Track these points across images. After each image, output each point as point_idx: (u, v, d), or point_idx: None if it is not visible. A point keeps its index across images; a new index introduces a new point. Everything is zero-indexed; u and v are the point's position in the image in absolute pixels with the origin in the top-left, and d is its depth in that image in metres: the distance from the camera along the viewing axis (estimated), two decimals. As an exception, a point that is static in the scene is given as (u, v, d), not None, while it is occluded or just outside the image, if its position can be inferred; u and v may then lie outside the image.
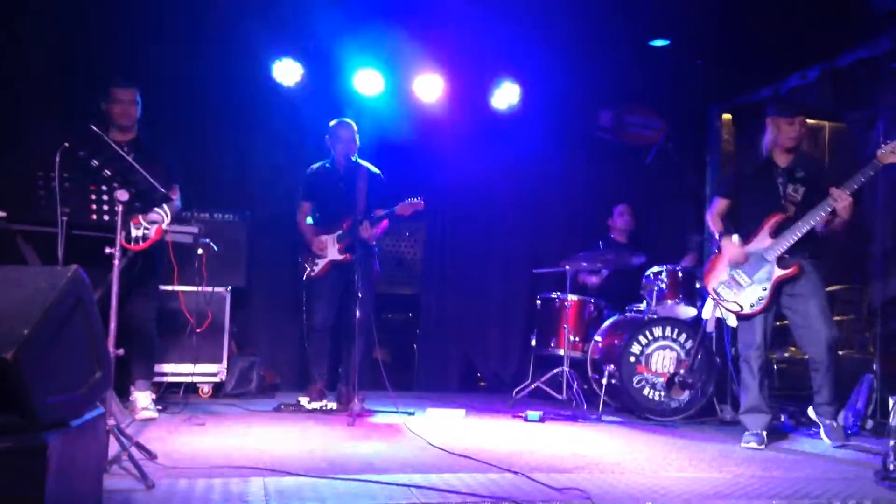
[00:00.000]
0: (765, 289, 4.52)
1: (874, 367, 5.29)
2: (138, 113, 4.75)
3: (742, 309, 4.58)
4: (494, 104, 6.84)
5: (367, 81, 6.40)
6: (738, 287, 4.60)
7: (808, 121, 6.12)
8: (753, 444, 4.45)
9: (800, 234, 4.42)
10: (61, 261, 3.50)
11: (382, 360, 5.23)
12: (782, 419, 5.36)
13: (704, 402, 5.50)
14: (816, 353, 4.50)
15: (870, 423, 5.03)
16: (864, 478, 3.66)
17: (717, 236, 4.79)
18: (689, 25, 5.97)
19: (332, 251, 5.41)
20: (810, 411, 4.77)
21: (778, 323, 4.86)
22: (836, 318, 5.77)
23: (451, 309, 6.94)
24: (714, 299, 4.73)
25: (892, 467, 3.61)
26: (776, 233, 4.52)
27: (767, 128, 4.64)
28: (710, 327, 5.10)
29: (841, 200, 4.28)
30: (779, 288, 4.54)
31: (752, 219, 4.65)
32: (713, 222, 4.84)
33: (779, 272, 4.49)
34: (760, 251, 4.54)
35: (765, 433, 4.53)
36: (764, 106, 6.81)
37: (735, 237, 4.64)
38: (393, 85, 6.54)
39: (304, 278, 5.47)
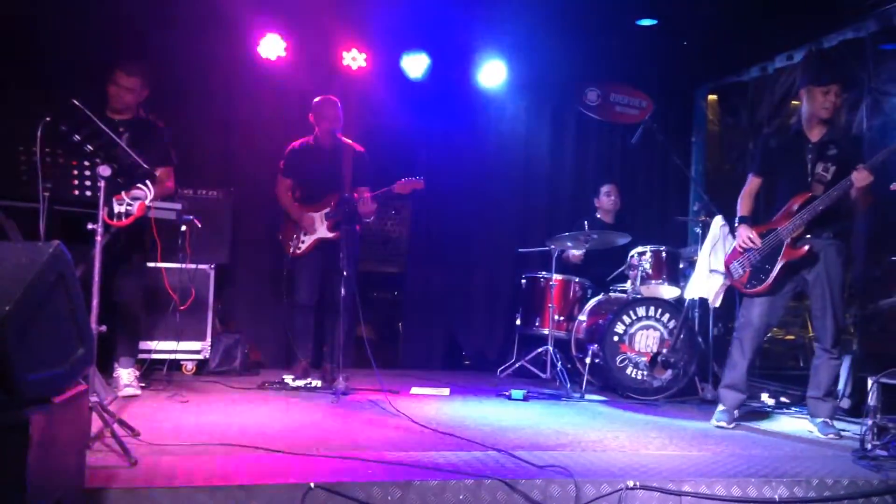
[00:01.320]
0: (769, 267, 4.40)
1: (853, 347, 5.35)
2: (135, 100, 4.72)
3: (746, 286, 4.51)
4: (481, 82, 6.82)
5: (351, 57, 6.35)
6: (749, 265, 4.49)
7: (793, 102, 6.16)
8: (723, 424, 4.46)
9: (814, 214, 4.26)
10: (43, 236, 3.47)
11: (367, 338, 5.23)
12: (764, 398, 5.42)
13: (686, 381, 5.54)
14: (824, 343, 4.39)
15: (847, 403, 5.06)
16: (842, 457, 3.71)
17: (738, 218, 4.62)
18: (677, 5, 5.96)
19: (320, 229, 5.38)
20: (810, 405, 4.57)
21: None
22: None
23: (437, 287, 6.94)
24: (725, 275, 4.68)
25: (869, 447, 3.67)
26: (798, 212, 4.35)
27: (802, 99, 4.43)
28: (717, 302, 5.10)
29: (863, 179, 4.11)
30: (796, 270, 4.41)
31: (781, 197, 4.48)
32: (742, 202, 4.64)
33: (789, 251, 4.35)
34: (778, 230, 4.40)
35: (736, 412, 4.54)
36: (749, 86, 6.86)
37: (747, 223, 4.55)
38: (378, 61, 6.49)
39: (290, 255, 5.43)
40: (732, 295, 5.28)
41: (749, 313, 4.54)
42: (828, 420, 4.36)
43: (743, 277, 4.54)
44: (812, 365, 4.49)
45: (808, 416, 4.51)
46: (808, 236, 4.35)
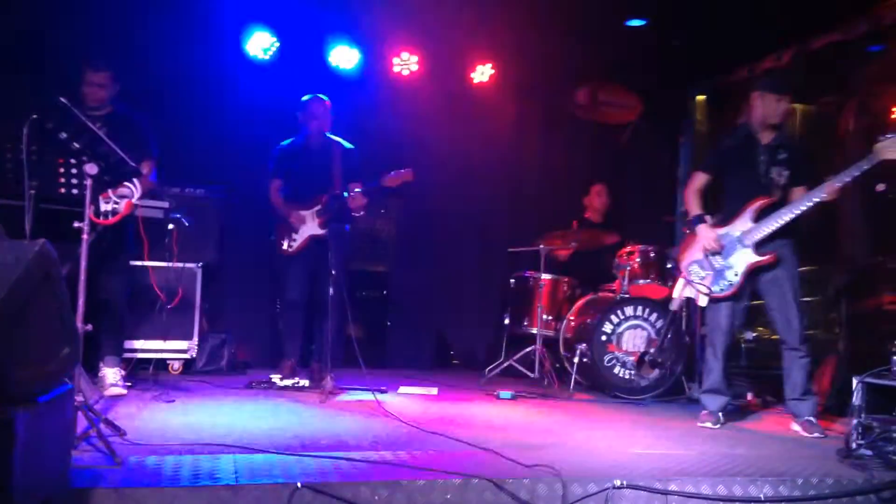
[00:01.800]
0: (736, 274, 4.44)
1: (839, 347, 5.37)
2: (109, 95, 4.68)
3: (711, 291, 4.54)
4: (471, 81, 6.82)
5: (342, 56, 6.34)
6: (711, 268, 4.52)
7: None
8: (708, 425, 4.48)
9: (781, 223, 4.32)
10: (29, 235, 3.44)
11: (355, 337, 5.22)
12: (749, 398, 5.44)
13: (673, 380, 5.56)
14: (791, 342, 4.42)
15: (833, 403, 5.08)
16: (827, 456, 3.73)
17: (690, 216, 4.66)
18: (666, 6, 5.98)
19: (311, 226, 5.36)
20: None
21: (758, 302, 4.80)
22: (803, 299, 5.82)
23: (425, 287, 6.95)
24: (685, 278, 4.70)
25: (854, 446, 3.68)
26: (758, 218, 4.40)
27: (754, 103, 4.50)
28: (675, 306, 5.10)
29: (833, 194, 4.19)
30: (754, 272, 4.46)
31: (735, 199, 4.53)
32: (689, 199, 4.68)
33: (754, 259, 4.40)
34: (739, 234, 4.44)
35: (721, 414, 4.55)
36: (738, 88, 6.88)
37: (706, 223, 4.56)
38: (369, 60, 6.48)
39: (281, 253, 5.41)
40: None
41: (717, 316, 4.57)
42: (811, 419, 4.37)
43: (705, 280, 4.56)
44: (783, 368, 4.49)
45: (793, 417, 4.51)
46: (766, 243, 4.40)
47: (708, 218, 4.60)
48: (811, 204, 4.26)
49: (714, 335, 4.58)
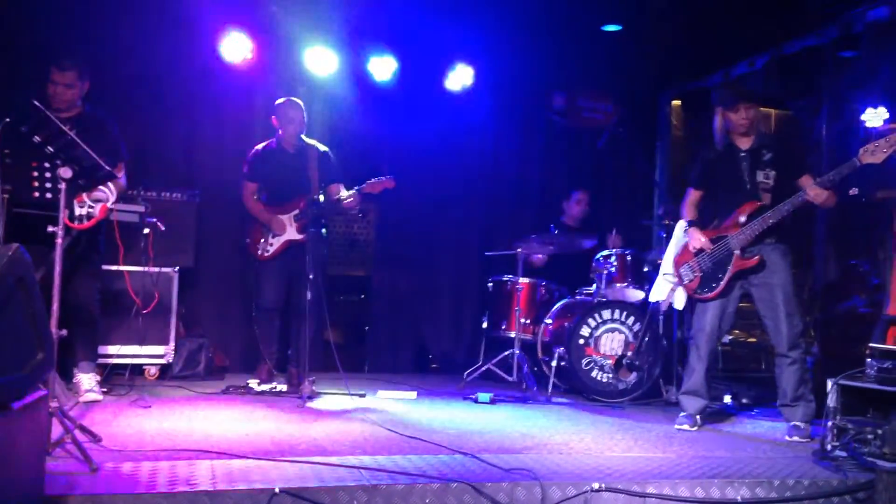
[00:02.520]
0: (721, 276, 4.46)
1: (814, 350, 5.43)
2: (77, 95, 4.57)
3: (696, 292, 4.57)
4: (448, 85, 6.83)
5: (318, 60, 6.32)
6: (699, 271, 4.55)
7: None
8: (686, 427, 4.50)
9: (765, 226, 4.33)
10: (1, 239, 3.41)
11: (334, 341, 5.20)
12: (726, 400, 5.48)
13: (651, 383, 5.59)
14: (780, 348, 4.42)
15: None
16: (803, 458, 3.77)
17: (687, 222, 4.69)
18: (641, 11, 6.02)
19: (290, 231, 5.33)
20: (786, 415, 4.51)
21: (742, 304, 4.82)
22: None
23: (403, 291, 6.94)
24: (675, 280, 4.70)
25: (829, 447, 3.73)
26: (747, 222, 4.40)
27: (716, 120, 4.55)
28: (664, 307, 5.11)
29: (819, 197, 4.17)
30: (743, 275, 4.47)
31: (724, 209, 4.54)
32: (685, 211, 4.73)
33: (739, 261, 4.41)
34: (727, 238, 4.45)
35: (699, 417, 4.57)
36: (712, 92, 6.94)
37: (696, 227, 4.61)
38: (345, 64, 6.47)
39: (257, 258, 5.37)
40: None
41: (703, 318, 4.59)
42: (799, 423, 4.34)
43: (693, 282, 4.59)
44: (775, 372, 4.51)
45: (785, 430, 4.43)
46: (752, 245, 4.41)
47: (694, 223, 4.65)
48: (792, 207, 4.27)
49: (698, 337, 4.60)
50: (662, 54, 6.70)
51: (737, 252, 4.42)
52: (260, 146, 5.48)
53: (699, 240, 4.55)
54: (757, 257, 4.40)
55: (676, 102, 7.68)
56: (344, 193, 5.15)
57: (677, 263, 4.70)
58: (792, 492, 3.23)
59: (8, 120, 3.37)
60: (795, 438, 4.28)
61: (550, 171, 7.35)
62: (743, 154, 4.51)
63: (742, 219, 4.42)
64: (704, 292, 4.54)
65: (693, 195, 4.74)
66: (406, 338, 6.98)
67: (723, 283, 4.46)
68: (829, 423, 3.80)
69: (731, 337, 6.35)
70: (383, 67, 6.52)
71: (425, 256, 7.00)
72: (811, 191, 4.19)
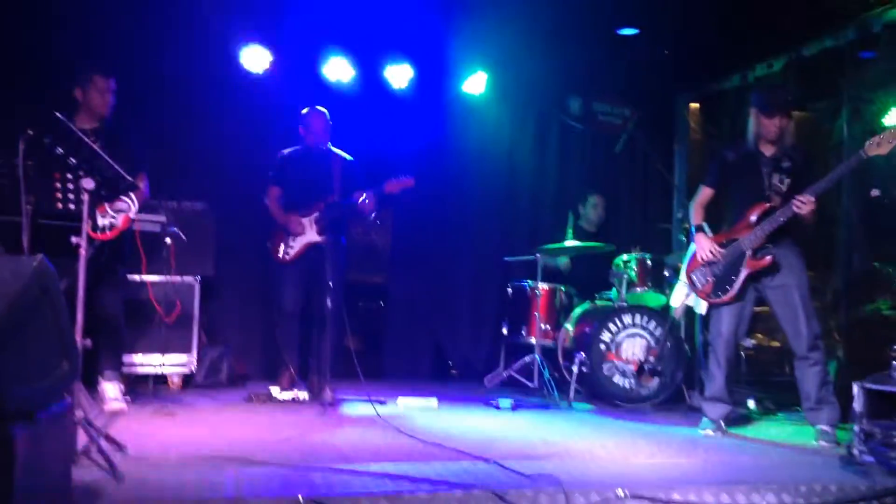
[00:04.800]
0: (734, 277, 4.44)
1: (839, 353, 5.37)
2: (113, 101, 4.69)
3: (710, 297, 4.55)
4: (464, 92, 6.84)
5: (336, 68, 6.36)
6: (713, 276, 4.53)
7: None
8: (709, 432, 4.47)
9: (775, 226, 4.32)
10: (26, 250, 3.44)
11: (354, 349, 5.21)
12: (750, 405, 5.43)
13: (673, 388, 5.55)
14: (799, 351, 4.38)
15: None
16: (829, 463, 3.73)
17: (693, 227, 4.69)
18: (657, 14, 6.00)
19: (310, 232, 5.36)
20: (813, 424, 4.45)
21: (757, 309, 4.79)
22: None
23: (422, 297, 6.94)
24: (688, 286, 4.68)
25: (856, 452, 3.68)
26: (758, 223, 4.40)
27: (750, 118, 4.52)
28: (678, 314, 5.09)
29: (805, 208, 4.19)
30: (757, 278, 4.45)
31: (737, 208, 4.55)
32: (694, 212, 4.71)
33: (751, 261, 4.40)
34: (739, 241, 4.45)
35: (722, 422, 4.54)
36: (731, 94, 6.91)
37: (705, 231, 4.60)
38: (362, 72, 6.50)
39: (278, 261, 5.40)
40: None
41: (718, 324, 4.57)
42: (826, 428, 4.30)
43: (706, 287, 4.56)
44: (796, 378, 4.47)
45: (815, 435, 4.38)
46: (770, 246, 4.39)
47: (706, 227, 4.62)
48: (790, 214, 4.26)
49: (716, 342, 4.57)
50: (679, 57, 6.67)
51: (748, 252, 4.40)
52: (286, 151, 5.53)
53: (705, 248, 4.54)
54: (769, 257, 4.37)
55: (694, 105, 7.64)
56: (362, 197, 5.17)
57: (689, 270, 4.68)
58: (819, 498, 3.19)
59: (31, 132, 3.41)
60: (823, 443, 4.24)
61: (568, 176, 7.34)
62: (765, 159, 4.49)
63: (753, 219, 4.41)
64: (718, 296, 4.51)
65: (704, 194, 4.72)
66: (425, 344, 6.98)
67: (736, 286, 4.43)
68: (856, 428, 3.75)
69: (753, 342, 6.30)
70: (400, 75, 6.55)
71: (443, 263, 7.00)
72: (801, 204, 4.19)
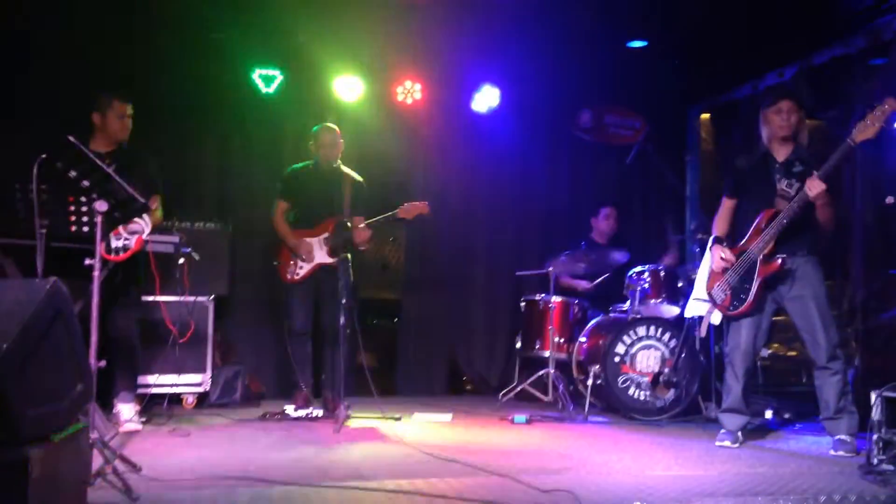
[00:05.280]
0: (748, 286, 4.40)
1: (856, 362, 5.33)
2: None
3: (728, 309, 4.51)
4: (475, 107, 6.85)
5: (346, 87, 6.39)
6: (729, 289, 4.50)
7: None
8: (727, 443, 4.43)
9: (779, 229, 4.29)
10: (40, 273, 3.46)
11: (367, 365, 5.20)
12: (768, 416, 5.38)
13: (689, 400, 5.51)
14: (819, 360, 4.34)
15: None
16: (848, 473, 3.69)
17: (712, 239, 4.66)
18: (667, 26, 6.01)
19: (319, 254, 5.37)
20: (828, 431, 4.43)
21: (775, 318, 4.76)
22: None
23: (435, 313, 6.93)
24: (710, 302, 4.65)
25: (875, 461, 3.64)
26: (766, 227, 4.37)
27: (761, 125, 4.50)
28: (702, 332, 5.04)
29: (813, 189, 4.13)
30: (773, 287, 4.42)
31: (748, 217, 4.52)
32: (715, 224, 4.70)
33: (762, 268, 4.36)
34: (748, 250, 4.43)
35: (740, 433, 4.51)
36: (741, 105, 6.90)
37: (721, 243, 4.58)
38: (372, 90, 6.53)
39: (287, 282, 5.41)
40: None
41: (737, 336, 4.54)
42: (845, 437, 4.25)
43: (725, 301, 4.54)
44: (816, 387, 4.42)
45: (831, 442, 4.35)
46: (784, 254, 4.34)
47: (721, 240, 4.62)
48: (801, 203, 4.22)
49: (733, 354, 4.54)
50: (689, 68, 6.67)
51: (759, 259, 4.37)
52: (297, 166, 5.56)
53: (719, 258, 4.51)
54: (780, 260, 4.33)
55: (705, 116, 7.62)
56: (360, 225, 5.18)
57: (709, 288, 4.64)
58: (838, 508, 3.17)
59: (44, 156, 3.44)
60: (841, 452, 4.19)
61: (579, 189, 7.33)
62: (778, 165, 4.47)
63: (762, 225, 4.39)
64: (736, 307, 4.48)
65: (726, 206, 4.69)
66: (439, 359, 6.96)
67: (752, 295, 4.40)
68: (875, 437, 3.72)
69: (770, 351, 6.26)
70: (410, 92, 6.57)
71: (456, 278, 7.00)
72: (808, 183, 4.15)
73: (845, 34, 5.65)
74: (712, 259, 4.58)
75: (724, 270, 4.52)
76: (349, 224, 5.17)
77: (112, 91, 4.75)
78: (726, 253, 4.50)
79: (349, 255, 5.35)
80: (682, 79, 6.89)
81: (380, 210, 5.31)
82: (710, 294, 4.64)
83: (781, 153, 4.48)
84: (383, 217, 5.24)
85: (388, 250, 7.03)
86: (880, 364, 5.13)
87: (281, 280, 5.46)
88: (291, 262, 5.39)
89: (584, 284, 6.53)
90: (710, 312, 4.74)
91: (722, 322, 4.83)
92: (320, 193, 5.37)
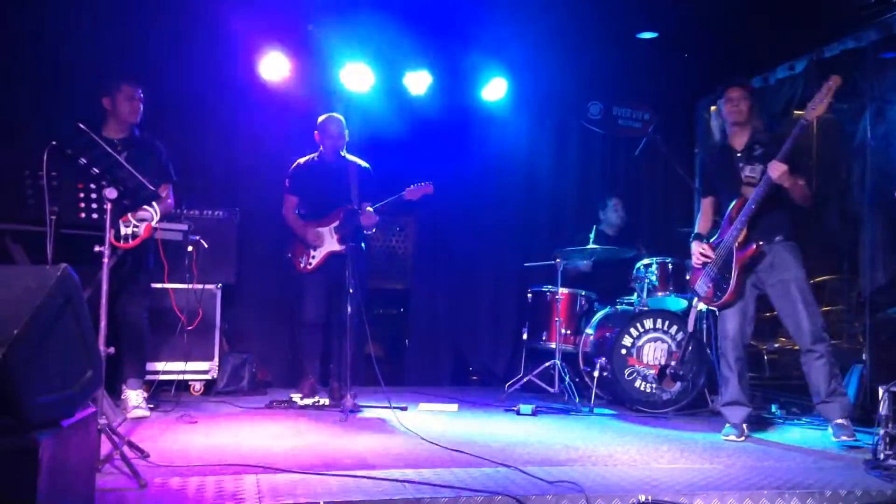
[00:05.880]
0: (727, 276, 4.45)
1: (863, 357, 5.32)
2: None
3: (712, 301, 4.58)
4: (483, 98, 6.84)
5: (355, 76, 6.38)
6: (710, 281, 4.57)
7: (796, 112, 6.17)
8: (733, 437, 4.44)
9: (748, 215, 4.33)
10: (50, 260, 3.48)
11: (374, 355, 5.21)
12: (773, 409, 5.39)
13: (696, 393, 5.52)
14: (803, 344, 4.38)
15: (859, 413, 5.05)
16: (854, 467, 3.69)
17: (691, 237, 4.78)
18: (677, 18, 5.98)
19: (329, 242, 5.38)
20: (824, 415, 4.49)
21: (768, 314, 4.81)
22: (825, 308, 5.75)
23: (442, 303, 6.94)
24: (697, 295, 4.74)
25: (882, 456, 3.64)
26: (737, 216, 4.42)
27: (713, 116, 4.64)
28: (690, 327, 5.12)
29: (775, 171, 4.17)
30: (752, 271, 4.46)
31: (722, 210, 4.60)
32: (697, 222, 4.85)
33: (738, 254, 4.40)
34: (724, 241, 4.49)
35: (745, 425, 4.52)
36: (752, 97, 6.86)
37: (700, 240, 4.70)
38: (381, 80, 6.52)
39: (300, 271, 5.43)
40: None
41: (724, 326, 4.59)
42: (842, 421, 4.27)
43: (708, 293, 4.61)
44: (803, 371, 4.47)
45: (828, 427, 4.41)
46: (758, 240, 4.38)
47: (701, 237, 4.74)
48: (765, 187, 4.27)
49: (723, 344, 4.59)
50: (699, 60, 6.64)
51: (735, 247, 4.43)
52: (302, 160, 5.55)
53: (699, 253, 4.61)
54: (754, 246, 4.37)
55: (714, 108, 7.59)
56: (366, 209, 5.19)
57: (693, 283, 4.74)
58: (844, 502, 3.16)
59: (54, 143, 3.45)
60: (843, 437, 4.22)
61: (587, 181, 7.32)
62: (739, 154, 4.54)
63: (733, 215, 4.45)
64: (719, 297, 4.53)
65: (703, 204, 4.85)
66: (445, 350, 6.97)
67: (732, 283, 4.44)
68: (882, 432, 3.71)
69: (777, 344, 6.25)
70: (419, 82, 6.55)
71: (463, 268, 7.00)
72: (770, 167, 4.21)
73: (857, 27, 5.62)
74: (693, 254, 4.68)
75: (705, 265, 4.60)
76: (358, 210, 5.18)
77: (121, 74, 4.76)
78: (705, 248, 4.59)
79: (363, 245, 5.37)
80: (692, 71, 6.86)
81: (386, 198, 5.31)
82: (693, 289, 4.73)
83: (739, 141, 4.56)
84: (390, 200, 5.25)
85: (395, 241, 7.03)
86: (888, 359, 5.13)
87: (295, 271, 5.47)
88: (304, 253, 5.40)
89: (585, 264, 6.48)
90: (695, 307, 4.92)
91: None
92: (328, 185, 5.37)
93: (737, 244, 4.41)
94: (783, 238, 4.44)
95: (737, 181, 4.50)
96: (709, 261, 4.56)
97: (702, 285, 4.64)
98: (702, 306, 5.02)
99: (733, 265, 4.44)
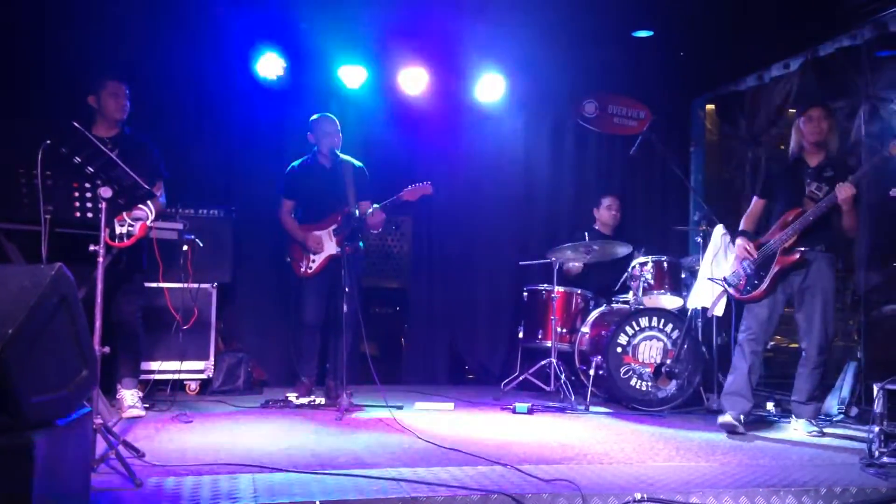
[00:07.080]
0: (763, 274, 4.60)
1: (858, 354, 5.34)
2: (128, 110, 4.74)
3: (742, 293, 4.72)
4: (478, 96, 6.83)
5: (350, 75, 6.37)
6: (745, 274, 4.72)
7: (790, 110, 6.19)
8: (728, 419, 4.52)
9: (804, 224, 4.49)
10: (45, 259, 3.47)
11: (370, 354, 5.21)
12: (769, 408, 5.40)
13: (691, 391, 5.52)
14: (808, 350, 4.57)
15: (854, 411, 5.10)
16: (850, 464, 3.71)
17: (738, 231, 4.89)
18: (672, 16, 5.98)
19: (329, 246, 5.36)
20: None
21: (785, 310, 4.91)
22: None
23: (439, 302, 6.94)
24: (722, 285, 4.88)
25: (877, 454, 3.66)
26: (791, 223, 4.59)
27: (793, 132, 4.76)
28: (718, 312, 5.22)
29: (843, 192, 4.31)
30: (787, 276, 4.60)
31: (776, 215, 4.74)
32: (744, 220, 4.93)
33: (781, 258, 4.55)
34: (771, 242, 4.63)
35: (742, 417, 4.59)
36: (746, 95, 6.88)
37: (747, 236, 4.80)
38: (376, 78, 6.51)
39: (299, 276, 5.41)
40: (736, 303, 5.29)
41: (749, 320, 4.73)
42: (812, 421, 4.61)
43: (740, 285, 4.75)
44: (797, 371, 4.67)
45: (792, 418, 4.74)
46: (802, 247, 4.55)
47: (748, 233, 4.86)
48: (828, 204, 4.42)
49: (743, 336, 4.72)
50: (694, 59, 6.64)
51: (780, 250, 4.56)
52: (296, 163, 5.53)
53: (744, 248, 4.71)
54: (799, 253, 4.52)
55: (710, 107, 7.60)
56: (369, 210, 5.18)
57: (727, 273, 4.88)
58: (839, 500, 3.17)
59: (49, 142, 3.44)
60: (813, 432, 4.55)
61: (583, 179, 7.32)
62: (810, 170, 4.65)
63: (788, 219, 4.58)
64: (748, 292, 4.67)
65: (756, 205, 4.94)
66: (442, 349, 6.97)
67: (766, 281, 4.59)
68: (877, 429, 3.73)
69: (773, 343, 6.26)
70: (414, 80, 6.55)
71: (460, 267, 6.99)
72: (839, 187, 4.35)
73: (852, 25, 5.63)
74: (737, 248, 4.79)
75: (743, 260, 4.72)
76: (357, 212, 5.16)
77: (106, 71, 4.75)
78: (750, 245, 4.70)
79: (361, 244, 5.36)
80: (687, 69, 6.87)
81: (383, 199, 5.30)
82: (725, 278, 4.86)
83: (814, 159, 4.68)
84: (389, 201, 5.24)
85: (391, 239, 7.02)
86: (883, 357, 5.15)
87: (295, 275, 5.46)
88: (304, 258, 5.39)
89: (576, 267, 6.45)
90: (721, 295, 5.02)
91: (725, 312, 5.11)
92: (324, 187, 5.34)
93: (784, 247, 4.56)
94: (824, 248, 4.59)
95: (799, 193, 4.63)
96: (749, 258, 4.67)
97: (734, 277, 4.79)
98: (701, 305, 5.15)
99: (773, 266, 4.59)
